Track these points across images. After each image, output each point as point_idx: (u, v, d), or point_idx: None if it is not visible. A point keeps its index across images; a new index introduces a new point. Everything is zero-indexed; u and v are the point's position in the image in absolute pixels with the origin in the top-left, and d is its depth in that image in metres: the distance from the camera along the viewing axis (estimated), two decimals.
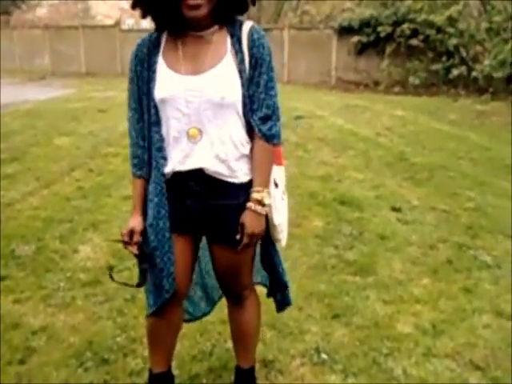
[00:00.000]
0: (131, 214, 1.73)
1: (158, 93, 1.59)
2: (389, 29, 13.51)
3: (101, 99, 10.86)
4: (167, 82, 1.59)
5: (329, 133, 7.46)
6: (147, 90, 1.62)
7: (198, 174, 1.60)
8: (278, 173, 1.76)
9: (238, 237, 1.62)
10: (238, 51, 1.58)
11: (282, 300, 1.96)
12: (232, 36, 1.60)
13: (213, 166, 1.60)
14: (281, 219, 1.75)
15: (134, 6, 1.59)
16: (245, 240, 1.62)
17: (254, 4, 1.60)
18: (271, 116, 1.61)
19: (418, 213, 4.12)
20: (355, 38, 14.39)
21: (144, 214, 1.70)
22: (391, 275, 3.03)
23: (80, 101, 10.68)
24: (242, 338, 1.96)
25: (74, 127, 7.39)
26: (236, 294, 1.88)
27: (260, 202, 1.60)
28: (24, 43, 19.20)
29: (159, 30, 1.64)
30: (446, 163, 5.62)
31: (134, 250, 1.69)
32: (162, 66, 1.61)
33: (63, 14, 28.39)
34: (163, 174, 1.64)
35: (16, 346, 2.34)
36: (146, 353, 2.12)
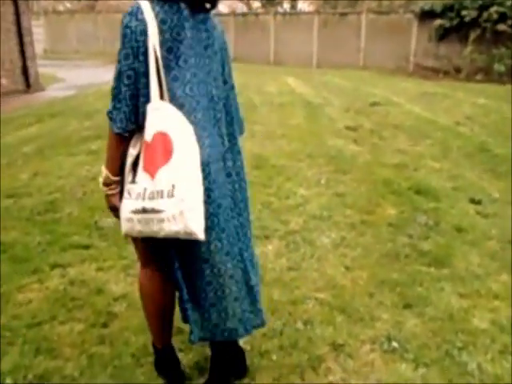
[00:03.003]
0: None
1: None
2: (474, 13, 12.86)
3: None
4: None
5: (405, 120, 7.24)
6: None
7: None
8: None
9: None
10: None
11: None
12: None
13: None
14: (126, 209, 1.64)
15: None
16: None
17: None
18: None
19: (498, 206, 3.93)
20: (437, 23, 13.82)
21: None
22: (468, 268, 2.92)
23: None
24: None
25: None
26: None
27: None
28: (108, 27, 20.05)
29: None
30: None
31: None
32: None
33: None
34: None
35: (99, 311, 2.50)
36: None
